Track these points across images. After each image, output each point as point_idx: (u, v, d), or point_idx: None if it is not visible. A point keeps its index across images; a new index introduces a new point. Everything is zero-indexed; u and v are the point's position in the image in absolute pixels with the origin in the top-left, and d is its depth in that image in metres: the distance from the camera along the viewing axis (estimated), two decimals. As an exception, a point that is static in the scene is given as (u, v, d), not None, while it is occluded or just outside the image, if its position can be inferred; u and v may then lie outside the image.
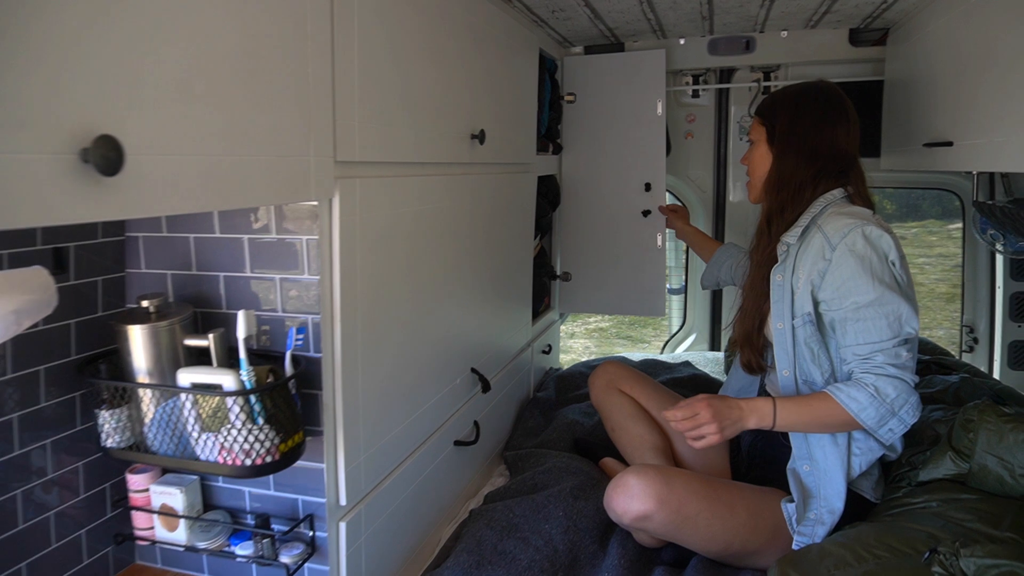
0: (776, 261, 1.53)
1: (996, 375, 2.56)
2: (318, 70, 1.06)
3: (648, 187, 2.57)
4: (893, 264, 1.40)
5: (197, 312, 1.25)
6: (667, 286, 3.46)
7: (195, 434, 1.13)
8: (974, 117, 1.62)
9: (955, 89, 1.76)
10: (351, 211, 1.19)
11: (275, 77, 0.96)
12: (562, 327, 2.90)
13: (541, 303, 2.72)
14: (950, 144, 1.70)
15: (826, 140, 1.53)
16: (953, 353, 2.63)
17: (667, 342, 3.15)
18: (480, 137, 1.69)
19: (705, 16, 2.24)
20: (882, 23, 2.33)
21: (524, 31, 2.11)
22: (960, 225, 2.67)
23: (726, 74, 2.75)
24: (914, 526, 1.32)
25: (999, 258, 2.51)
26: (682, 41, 2.60)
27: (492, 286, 2.03)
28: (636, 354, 2.85)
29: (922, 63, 2.05)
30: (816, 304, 1.46)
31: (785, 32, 2.50)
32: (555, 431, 2.12)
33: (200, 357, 1.17)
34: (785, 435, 1.60)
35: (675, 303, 3.32)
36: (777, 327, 1.52)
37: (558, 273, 2.77)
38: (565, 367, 2.82)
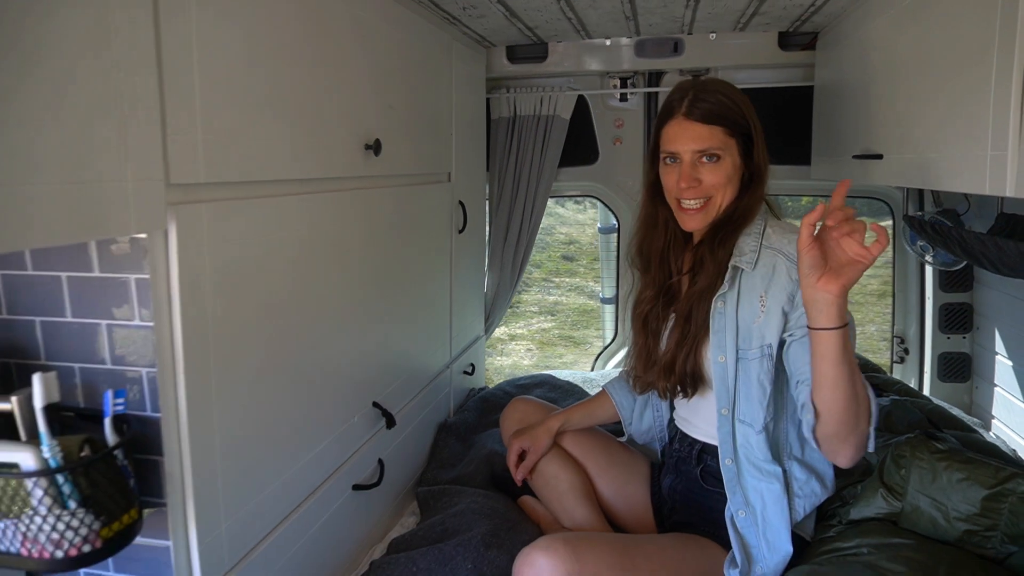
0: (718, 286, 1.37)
1: (926, 387, 2.51)
2: (134, 76, 0.86)
3: None
4: None
5: (11, 364, 1.03)
6: (600, 295, 3.37)
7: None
8: (905, 130, 1.53)
9: (884, 99, 1.67)
10: (195, 242, 1.00)
11: (65, 84, 0.76)
12: (504, 329, 2.72)
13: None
14: (880, 157, 1.61)
15: None
16: (885, 368, 2.59)
17: (598, 355, 3.02)
18: (375, 147, 1.51)
19: (629, 16, 2.11)
20: (811, 27, 2.24)
21: (433, 29, 1.94)
22: (889, 224, 2.62)
23: (655, 77, 2.63)
24: (845, 579, 1.21)
25: (928, 269, 2.47)
26: (607, 42, 2.47)
27: (403, 309, 1.85)
28: (564, 372, 2.70)
29: (851, 70, 1.96)
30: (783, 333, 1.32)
31: (714, 34, 2.40)
32: (472, 463, 1.95)
33: (9, 423, 0.96)
34: (707, 478, 1.48)
35: (607, 313, 3.20)
36: (718, 360, 1.37)
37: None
38: (493, 384, 2.66)
